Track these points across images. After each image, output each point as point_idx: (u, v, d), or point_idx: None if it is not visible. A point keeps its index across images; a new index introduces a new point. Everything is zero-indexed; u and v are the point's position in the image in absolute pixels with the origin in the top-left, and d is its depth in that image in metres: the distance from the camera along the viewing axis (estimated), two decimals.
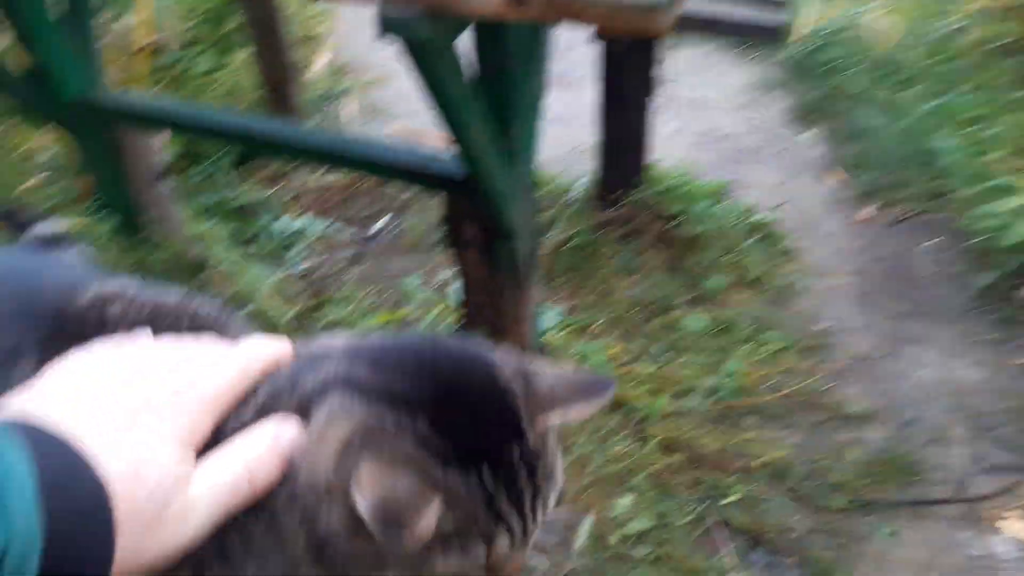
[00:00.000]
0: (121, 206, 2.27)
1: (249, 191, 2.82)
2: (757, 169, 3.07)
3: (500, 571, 0.49)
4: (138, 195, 2.26)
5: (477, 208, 1.70)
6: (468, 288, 1.93)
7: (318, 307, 2.36)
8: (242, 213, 2.75)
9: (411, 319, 2.32)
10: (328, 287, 2.45)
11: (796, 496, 1.85)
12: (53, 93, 2.06)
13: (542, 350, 2.12)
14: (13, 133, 2.83)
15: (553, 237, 2.58)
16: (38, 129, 2.71)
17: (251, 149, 2.79)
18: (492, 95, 1.51)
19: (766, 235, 2.64)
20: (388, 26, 1.13)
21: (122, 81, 2.80)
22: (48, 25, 1.95)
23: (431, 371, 0.47)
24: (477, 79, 1.50)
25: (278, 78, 2.95)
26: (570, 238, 2.58)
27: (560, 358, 2.16)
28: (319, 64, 3.60)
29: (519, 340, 1.95)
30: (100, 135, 2.15)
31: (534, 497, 0.47)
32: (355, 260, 2.62)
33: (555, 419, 0.48)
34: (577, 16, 1.10)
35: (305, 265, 2.55)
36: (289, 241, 2.66)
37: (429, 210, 2.76)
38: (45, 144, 2.77)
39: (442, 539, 0.44)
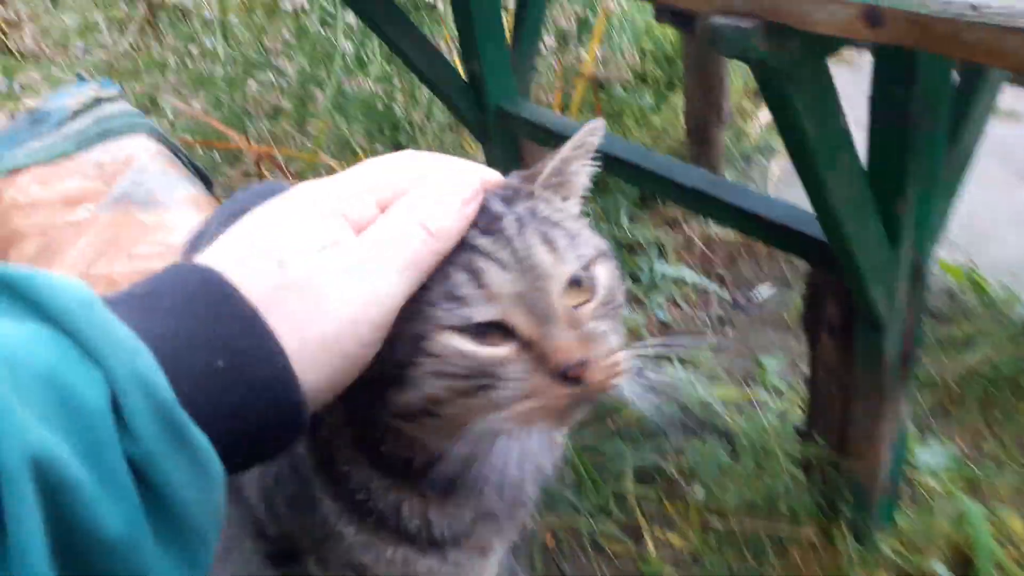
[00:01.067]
0: None
1: (644, 229, 2.75)
2: None
3: (547, 347, 0.52)
4: None
5: (839, 284, 1.38)
6: (817, 380, 1.59)
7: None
8: (629, 250, 2.69)
9: (754, 402, 2.01)
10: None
11: None
12: (480, 100, 2.22)
13: (902, 484, 1.66)
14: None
15: (968, 356, 2.03)
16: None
17: (624, 177, 2.72)
18: (881, 144, 1.19)
19: None
20: (718, 38, 0.91)
21: (557, 106, 2.95)
22: (494, 37, 2.10)
23: None
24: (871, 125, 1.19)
25: (704, 123, 2.84)
26: (995, 363, 2.01)
27: (931, 508, 1.67)
28: (759, 119, 3.41)
29: (868, 462, 1.54)
30: (509, 145, 2.26)
31: (521, 225, 0.55)
32: (721, 323, 2.37)
33: (551, 162, 0.61)
34: (951, 47, 0.77)
35: (667, 315, 2.39)
36: (661, 286, 2.51)
37: None
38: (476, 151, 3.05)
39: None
